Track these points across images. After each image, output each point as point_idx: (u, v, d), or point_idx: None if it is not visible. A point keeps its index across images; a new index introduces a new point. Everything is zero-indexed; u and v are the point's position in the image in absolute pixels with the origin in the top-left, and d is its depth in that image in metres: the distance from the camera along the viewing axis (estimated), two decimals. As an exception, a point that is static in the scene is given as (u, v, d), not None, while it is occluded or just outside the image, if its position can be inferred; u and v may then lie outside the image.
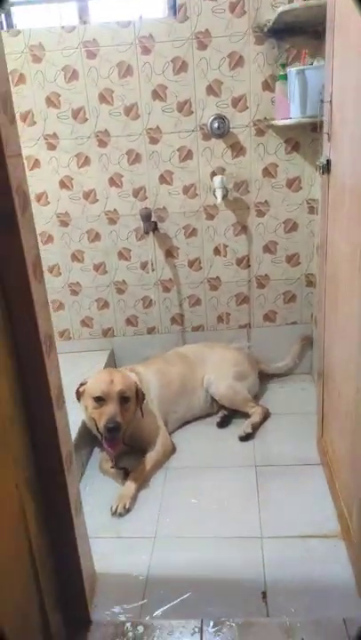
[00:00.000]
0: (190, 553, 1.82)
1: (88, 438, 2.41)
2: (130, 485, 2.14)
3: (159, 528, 1.96)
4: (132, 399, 2.22)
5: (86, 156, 2.64)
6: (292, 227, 2.71)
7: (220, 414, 2.61)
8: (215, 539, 1.88)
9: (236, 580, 1.67)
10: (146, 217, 2.62)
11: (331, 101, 1.56)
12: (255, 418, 2.53)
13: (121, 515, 2.03)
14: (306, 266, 2.78)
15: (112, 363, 3.02)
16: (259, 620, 1.43)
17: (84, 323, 3.00)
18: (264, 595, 1.59)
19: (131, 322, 2.98)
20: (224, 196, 2.60)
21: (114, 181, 2.69)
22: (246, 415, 2.58)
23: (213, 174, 2.64)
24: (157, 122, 2.57)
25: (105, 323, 2.99)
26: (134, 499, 2.11)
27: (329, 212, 1.72)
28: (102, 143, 2.61)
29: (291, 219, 2.70)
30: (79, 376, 2.75)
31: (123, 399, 2.18)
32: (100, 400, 2.16)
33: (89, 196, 2.72)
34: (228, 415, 2.61)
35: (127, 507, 2.06)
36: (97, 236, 2.80)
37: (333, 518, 1.89)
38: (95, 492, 2.20)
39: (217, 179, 2.57)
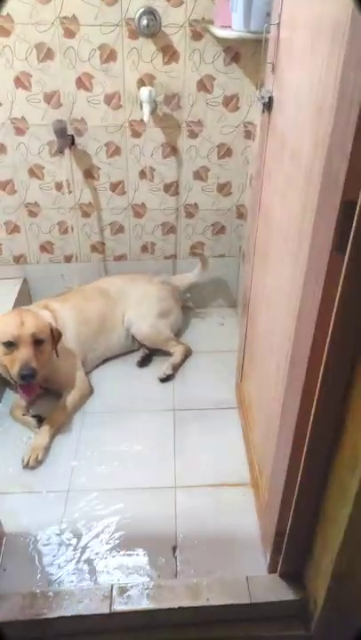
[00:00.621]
0: (105, 506, 1.81)
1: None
2: (43, 435, 2.04)
3: (73, 480, 1.91)
4: (46, 340, 2.04)
5: (-16, 45, 2.14)
6: (225, 152, 2.46)
7: (141, 353, 2.52)
8: (130, 490, 1.86)
9: (148, 534, 1.69)
10: (60, 132, 2.24)
11: (279, 24, 1.28)
12: (176, 358, 2.47)
13: (33, 467, 1.95)
14: (238, 196, 2.58)
15: (26, 292, 2.77)
16: (167, 582, 1.46)
17: (-8, 248, 2.67)
18: (174, 549, 1.64)
19: (45, 248, 2.69)
20: (152, 111, 2.26)
21: (20, 82, 2.23)
22: (167, 353, 2.52)
23: (141, 83, 2.26)
24: (74, 9, 2.08)
25: (15, 248, 2.68)
26: (47, 449, 2.02)
27: (266, 161, 1.51)
28: (4, 32, 2.11)
29: (225, 143, 2.43)
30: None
31: (36, 342, 1.99)
32: (10, 345, 1.96)
33: (-10, 97, 2.26)
34: (148, 354, 2.52)
35: (40, 458, 1.97)
36: (2, 149, 2.38)
37: (245, 467, 1.94)
38: (5, 442, 2.08)
39: (145, 91, 2.20)
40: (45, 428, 2.06)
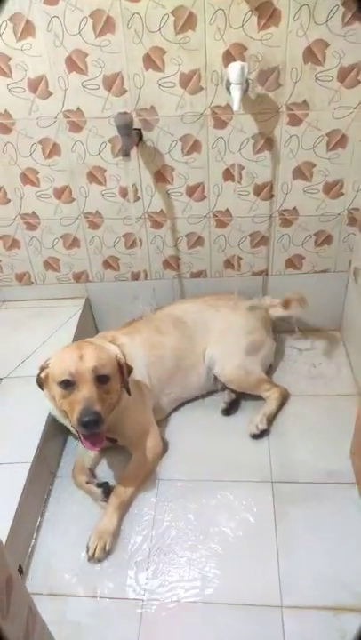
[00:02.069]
0: (187, 628, 1.42)
1: (59, 427, 1.88)
2: (110, 516, 1.67)
3: (149, 583, 1.53)
4: (112, 377, 1.63)
5: (27, 20, 1.66)
6: (338, 142, 1.85)
7: (227, 398, 2.06)
8: (218, 606, 1.45)
9: None
10: (125, 128, 1.74)
11: None
12: (271, 406, 1.98)
13: (100, 560, 1.59)
14: (352, 198, 1.97)
15: (89, 313, 2.38)
16: None
17: (49, 265, 2.27)
18: None
19: (110, 264, 2.25)
20: (243, 94, 1.70)
21: (73, 63, 1.74)
22: (258, 396, 2.04)
23: (229, 58, 1.70)
24: None
25: (76, 264, 2.27)
26: (117, 535, 1.65)
27: None
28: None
29: (338, 130, 1.82)
30: (47, 334, 2.18)
31: (100, 379, 1.59)
32: (68, 385, 1.58)
33: (38, 85, 1.79)
34: (235, 399, 2.06)
35: (107, 547, 1.60)
36: (55, 149, 1.94)
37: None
38: (66, 512, 1.74)
39: (234, 67, 1.63)
40: (113, 506, 1.69)
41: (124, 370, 1.70)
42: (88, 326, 2.36)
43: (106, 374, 1.61)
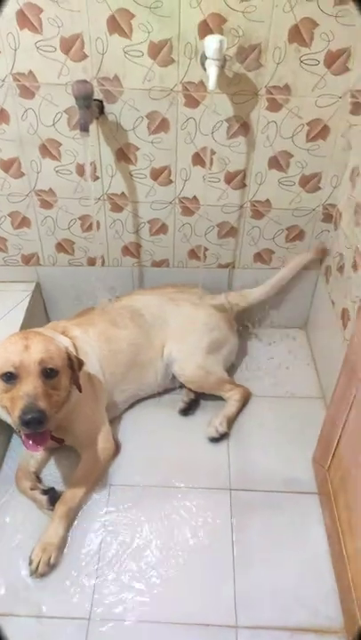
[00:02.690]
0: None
1: (1, 424, 1.72)
2: (56, 526, 1.55)
3: (95, 600, 1.45)
4: (61, 372, 1.49)
5: None
6: (320, 132, 1.71)
7: (185, 397, 1.96)
8: (170, 626, 1.40)
9: None
10: (84, 98, 1.52)
11: None
12: (231, 408, 1.90)
13: (43, 575, 1.48)
14: (328, 193, 1.85)
15: (39, 299, 2.18)
16: None
17: (-5, 245, 2.05)
18: None
19: (63, 248, 2.05)
20: (219, 72, 1.52)
21: (26, 18, 1.49)
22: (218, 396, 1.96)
23: (206, 30, 1.50)
24: None
25: (26, 246, 2.05)
26: (62, 547, 1.55)
27: None
28: None
29: (320, 119, 1.68)
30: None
31: (46, 373, 1.45)
32: (10, 378, 1.42)
33: (-18, 42, 1.53)
34: (194, 399, 1.97)
35: (52, 561, 1.49)
36: (3, 115, 1.69)
37: (334, 597, 1.44)
38: (8, 521, 1.62)
39: (212, 41, 1.44)
40: (59, 515, 1.57)
41: (74, 364, 1.55)
42: (38, 313, 2.18)
43: (53, 368, 1.46)
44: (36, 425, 1.38)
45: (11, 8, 1.46)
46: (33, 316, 2.09)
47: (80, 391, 1.58)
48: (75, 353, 1.63)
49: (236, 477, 1.74)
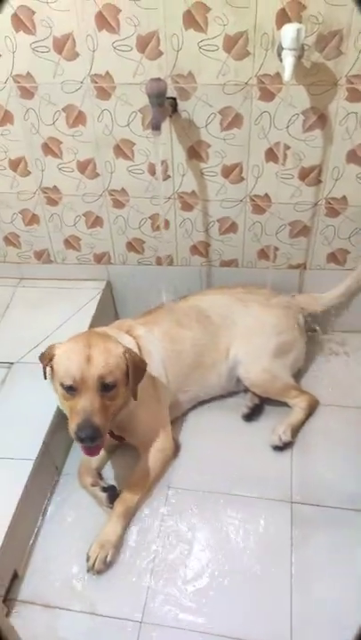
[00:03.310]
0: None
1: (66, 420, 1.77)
2: (114, 524, 1.55)
3: (148, 603, 1.42)
4: (119, 383, 1.48)
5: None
6: None
7: (249, 402, 1.89)
8: (221, 639, 1.34)
9: None
10: (157, 96, 1.52)
11: None
12: (297, 416, 1.81)
13: (100, 572, 1.48)
14: None
15: (109, 296, 2.23)
16: None
17: (69, 243, 2.11)
18: None
19: (133, 247, 2.08)
20: (297, 62, 1.46)
21: (104, 19, 1.53)
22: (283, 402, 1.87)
23: (284, 18, 1.45)
24: None
25: (98, 245, 2.10)
26: (119, 545, 1.54)
27: None
28: None
29: None
30: (65, 317, 2.06)
31: (104, 387, 1.45)
32: (70, 389, 1.44)
33: (63, 45, 1.59)
34: (258, 404, 1.89)
35: (109, 559, 1.49)
36: (80, 117, 1.74)
37: None
38: (69, 514, 1.64)
39: (289, 30, 1.38)
40: (117, 514, 1.57)
41: (133, 370, 1.52)
42: (108, 310, 2.22)
43: (112, 383, 1.45)
44: (89, 441, 1.40)
45: (90, 9, 1.51)
46: (103, 313, 2.13)
47: (135, 399, 1.56)
48: (138, 354, 1.63)
49: (299, 490, 1.64)
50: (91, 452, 1.48)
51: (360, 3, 1.27)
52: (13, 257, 2.19)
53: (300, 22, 1.44)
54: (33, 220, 2.04)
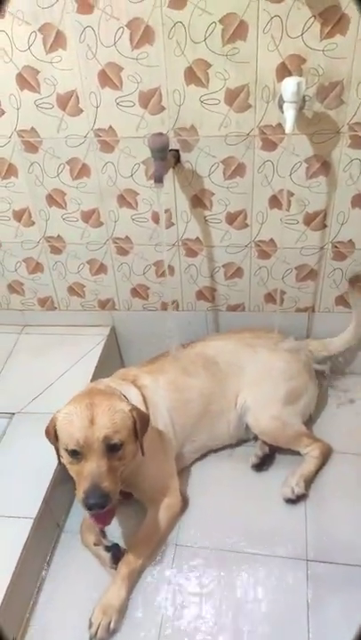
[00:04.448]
0: None
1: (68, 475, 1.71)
2: (118, 588, 1.47)
3: None
4: (127, 442, 1.43)
5: (58, 31, 1.49)
6: None
7: (259, 451, 1.83)
8: None
9: None
10: (159, 150, 1.53)
11: None
12: (310, 465, 1.74)
13: (103, 640, 1.42)
14: None
15: (114, 342, 2.20)
16: None
17: (73, 290, 2.10)
18: None
19: (138, 293, 2.06)
20: (298, 113, 1.47)
21: (107, 77, 1.56)
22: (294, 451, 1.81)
23: (284, 72, 1.47)
24: None
25: (102, 292, 2.09)
26: (123, 611, 1.46)
27: None
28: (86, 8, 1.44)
29: None
30: (69, 364, 2.04)
31: (111, 448, 1.39)
32: (75, 454, 1.39)
33: (67, 102, 1.62)
34: (269, 454, 1.83)
35: (112, 626, 1.41)
36: (84, 169, 1.76)
37: None
38: (70, 575, 1.56)
39: (289, 84, 1.40)
40: (121, 576, 1.49)
41: (139, 426, 1.47)
42: (113, 356, 2.19)
43: (119, 442, 1.40)
44: (99, 508, 1.34)
45: (93, 68, 1.54)
46: (108, 360, 2.10)
47: (143, 455, 1.50)
48: (143, 407, 1.60)
49: (315, 546, 1.57)
50: (101, 520, 1.42)
51: (360, 2, 1.28)
52: (17, 304, 2.18)
53: (301, 75, 1.46)
54: (37, 268, 2.04)
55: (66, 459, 1.43)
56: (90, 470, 1.35)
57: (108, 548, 1.57)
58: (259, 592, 1.48)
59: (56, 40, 1.50)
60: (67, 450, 1.40)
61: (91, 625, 1.42)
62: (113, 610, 1.44)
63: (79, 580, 1.55)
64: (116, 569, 1.52)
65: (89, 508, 1.34)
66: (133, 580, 1.52)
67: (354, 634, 1.34)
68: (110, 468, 1.37)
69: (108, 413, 1.41)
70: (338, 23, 1.37)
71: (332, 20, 1.37)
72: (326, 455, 1.79)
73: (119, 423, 1.41)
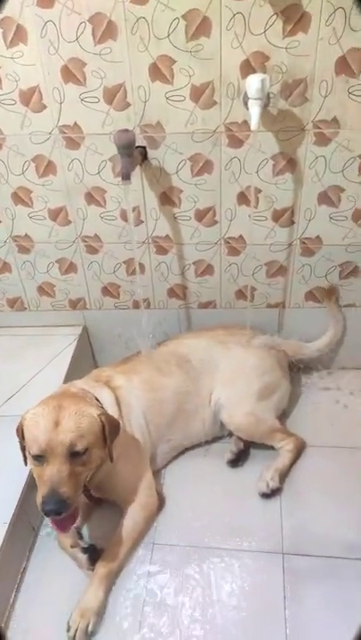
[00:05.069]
0: None
1: None
2: (95, 590, 1.46)
3: None
4: (92, 447, 1.40)
5: (18, 25, 1.45)
6: (372, 165, 1.62)
7: (234, 448, 1.83)
8: None
9: None
10: (125, 147, 1.52)
11: None
12: (284, 459, 1.76)
13: (81, 644, 1.40)
14: (384, 227, 1.75)
15: (86, 342, 2.17)
16: None
17: (43, 290, 2.07)
18: None
19: (109, 291, 2.04)
20: (263, 110, 1.48)
21: (70, 73, 1.53)
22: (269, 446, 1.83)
23: (248, 69, 1.47)
24: None
25: (73, 291, 2.06)
26: (102, 612, 1.45)
27: None
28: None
29: (373, 152, 1.60)
30: (41, 365, 2.01)
31: (75, 454, 1.37)
32: (38, 457, 1.36)
33: (30, 98, 1.58)
34: (244, 450, 1.84)
35: (90, 629, 1.40)
36: (50, 166, 1.73)
37: None
38: (47, 579, 1.54)
39: (254, 81, 1.40)
40: (99, 577, 1.48)
41: (107, 431, 1.44)
42: (85, 355, 2.17)
43: (82, 450, 1.37)
44: (55, 514, 1.32)
45: (55, 63, 1.51)
46: (80, 359, 2.08)
47: (112, 461, 1.49)
48: (116, 409, 1.60)
49: (290, 540, 1.58)
50: (61, 526, 1.39)
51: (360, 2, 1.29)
52: (-14, 306, 2.14)
53: (265, 72, 1.46)
54: (4, 268, 2.00)
55: (30, 460, 1.41)
56: (50, 475, 1.33)
57: (84, 550, 1.56)
58: (236, 587, 1.49)
59: (17, 34, 1.47)
60: (30, 453, 1.38)
61: (69, 628, 1.40)
62: (91, 612, 1.42)
63: (57, 583, 1.53)
64: (93, 570, 1.51)
65: (46, 513, 1.32)
66: (111, 580, 1.51)
67: (331, 626, 1.36)
68: (72, 474, 1.35)
69: (75, 417, 1.38)
70: (299, 21, 1.38)
71: (294, 18, 1.38)
72: (300, 449, 1.81)
73: (85, 428, 1.38)
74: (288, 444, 1.79)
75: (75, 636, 1.39)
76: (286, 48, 1.43)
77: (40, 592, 1.52)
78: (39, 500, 1.32)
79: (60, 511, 1.31)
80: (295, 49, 1.43)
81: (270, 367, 1.87)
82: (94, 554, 1.55)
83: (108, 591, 1.48)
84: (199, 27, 1.41)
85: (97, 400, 1.57)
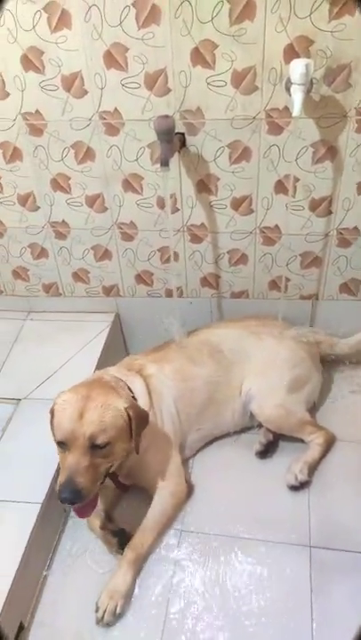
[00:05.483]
0: None
1: None
2: (124, 572, 1.47)
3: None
4: (114, 442, 1.40)
5: (63, 10, 1.47)
6: None
7: (263, 439, 1.82)
8: None
9: None
10: (165, 133, 1.52)
11: None
12: (314, 453, 1.74)
13: (109, 624, 1.40)
14: None
15: (118, 329, 2.20)
16: None
17: (78, 276, 2.10)
18: None
19: (143, 279, 2.06)
20: (305, 96, 1.45)
21: (112, 58, 1.54)
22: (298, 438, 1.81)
23: (291, 53, 1.45)
24: None
25: (106, 278, 2.08)
26: (129, 595, 1.46)
27: None
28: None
29: None
30: (74, 351, 2.04)
31: (94, 447, 1.37)
32: (62, 444, 1.39)
33: (72, 84, 1.60)
34: (272, 441, 1.83)
35: (118, 610, 1.42)
36: (89, 153, 1.75)
37: None
38: (78, 560, 1.56)
39: (298, 65, 1.38)
40: (128, 561, 1.49)
41: (134, 423, 1.44)
42: (117, 342, 2.19)
43: (103, 443, 1.37)
44: (69, 503, 1.34)
45: (98, 48, 1.52)
46: (112, 346, 2.10)
47: (137, 453, 1.49)
48: (147, 399, 1.61)
49: (318, 533, 1.56)
50: (79, 512, 1.42)
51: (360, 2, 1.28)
52: (22, 290, 2.18)
53: (309, 57, 1.44)
54: (42, 253, 2.04)
55: (56, 445, 1.44)
56: (69, 464, 1.35)
57: (114, 533, 1.58)
58: (262, 577, 1.48)
59: (61, 19, 1.48)
60: (55, 438, 1.41)
61: (97, 609, 1.43)
62: (119, 594, 1.44)
63: (87, 565, 1.56)
64: (122, 554, 1.52)
65: (61, 500, 1.35)
66: (139, 564, 1.52)
67: (355, 631, 1.34)
68: (91, 465, 1.36)
69: (100, 410, 1.39)
70: (346, 3, 1.35)
71: (341, 0, 1.35)
72: (330, 443, 1.78)
73: (108, 422, 1.39)
74: (318, 438, 1.77)
75: (103, 616, 1.41)
76: (332, 32, 1.40)
77: (70, 573, 1.54)
78: (57, 486, 1.35)
79: (74, 501, 1.34)
80: (341, 32, 1.40)
81: (302, 359, 1.85)
82: (123, 537, 1.56)
83: (135, 575, 1.50)
84: (243, 10, 1.39)
85: (129, 389, 1.59)
